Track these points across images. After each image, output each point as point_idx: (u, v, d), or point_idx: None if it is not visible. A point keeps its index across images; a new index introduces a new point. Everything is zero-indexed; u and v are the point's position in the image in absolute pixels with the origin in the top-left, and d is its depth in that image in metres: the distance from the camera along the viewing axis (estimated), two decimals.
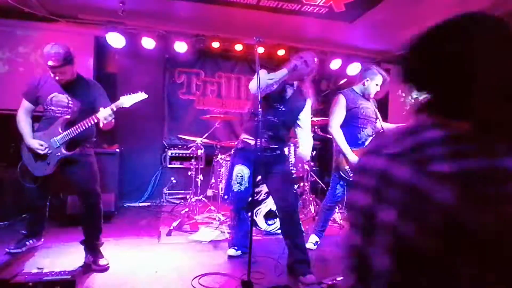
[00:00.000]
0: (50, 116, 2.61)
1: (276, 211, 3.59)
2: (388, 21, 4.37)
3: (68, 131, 2.54)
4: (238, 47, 5.04)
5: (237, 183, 2.73)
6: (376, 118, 3.17)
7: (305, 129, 2.78)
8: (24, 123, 2.66)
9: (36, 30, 4.47)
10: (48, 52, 2.45)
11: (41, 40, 4.44)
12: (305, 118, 2.76)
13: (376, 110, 3.21)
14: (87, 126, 2.53)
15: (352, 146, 3.01)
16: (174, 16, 4.44)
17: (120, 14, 4.09)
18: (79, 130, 2.53)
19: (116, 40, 4.49)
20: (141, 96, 2.63)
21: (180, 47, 4.79)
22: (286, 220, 2.62)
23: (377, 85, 3.06)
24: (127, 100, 2.59)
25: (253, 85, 2.43)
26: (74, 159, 2.62)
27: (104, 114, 2.47)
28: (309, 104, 2.76)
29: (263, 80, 2.42)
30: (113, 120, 2.60)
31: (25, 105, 2.69)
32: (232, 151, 2.78)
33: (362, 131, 3.06)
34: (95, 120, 2.52)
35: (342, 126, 3.07)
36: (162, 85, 5.35)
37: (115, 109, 2.53)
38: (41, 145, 2.57)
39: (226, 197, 3.07)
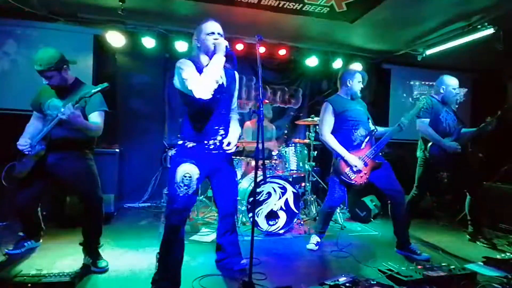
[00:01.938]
0: (48, 120, 2.57)
1: (276, 211, 3.60)
2: (389, 21, 4.37)
3: (46, 128, 2.46)
4: (239, 47, 5.02)
5: (184, 185, 2.18)
6: (368, 118, 3.15)
7: (235, 107, 2.59)
8: (27, 126, 2.68)
9: (36, 29, 4.43)
10: (36, 56, 2.47)
11: (41, 39, 4.43)
12: (236, 94, 2.55)
13: (366, 111, 3.21)
14: (51, 127, 2.42)
15: (351, 150, 3.00)
16: (174, 15, 4.42)
17: (119, 13, 4.06)
18: (48, 130, 2.44)
19: (115, 39, 4.47)
20: (102, 86, 2.41)
21: (181, 46, 4.76)
22: (227, 219, 2.59)
23: (359, 82, 3.14)
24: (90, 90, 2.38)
25: (201, 90, 2.09)
26: (71, 162, 2.57)
27: (60, 113, 2.30)
28: (237, 74, 2.54)
29: (208, 82, 2.12)
30: (94, 125, 2.52)
31: (34, 113, 2.71)
32: (173, 151, 2.38)
33: (355, 132, 3.04)
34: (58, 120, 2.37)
35: (334, 132, 3.07)
36: (163, 85, 5.32)
37: (70, 107, 2.30)
38: (26, 141, 2.49)
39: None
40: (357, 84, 3.13)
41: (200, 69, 2.21)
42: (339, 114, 3.05)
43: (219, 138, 2.34)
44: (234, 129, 2.49)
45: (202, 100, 2.13)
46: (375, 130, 3.13)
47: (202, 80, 2.12)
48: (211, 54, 2.26)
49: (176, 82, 2.22)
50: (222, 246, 2.64)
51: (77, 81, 2.70)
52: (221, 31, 2.34)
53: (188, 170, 2.20)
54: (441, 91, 3.49)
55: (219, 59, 2.20)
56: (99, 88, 2.38)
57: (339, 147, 2.98)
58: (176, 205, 2.17)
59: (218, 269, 2.64)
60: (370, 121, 3.16)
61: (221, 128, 2.35)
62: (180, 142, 2.34)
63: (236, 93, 2.56)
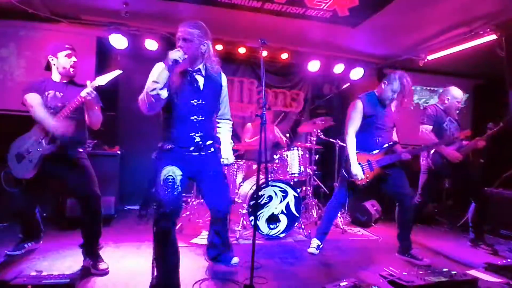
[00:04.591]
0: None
1: (277, 214, 3.60)
2: (391, 27, 4.38)
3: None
4: (242, 50, 5.04)
5: (168, 187, 2.10)
6: (393, 127, 3.13)
7: (225, 114, 2.57)
8: (41, 112, 2.50)
9: (39, 30, 4.46)
10: (61, 43, 2.68)
11: (44, 41, 4.43)
12: (225, 99, 2.53)
13: (394, 119, 3.15)
14: (69, 112, 2.47)
15: (364, 151, 2.99)
16: (177, 18, 4.39)
17: (123, 15, 4.08)
18: (60, 118, 2.46)
19: (118, 41, 4.49)
20: (115, 73, 2.62)
21: None
22: (219, 221, 2.58)
23: (392, 91, 2.96)
24: (101, 79, 2.54)
25: (141, 102, 2.12)
26: (68, 162, 2.57)
27: (83, 94, 2.44)
28: (224, 79, 2.48)
29: (144, 99, 2.08)
30: (99, 114, 2.68)
31: (37, 99, 2.51)
32: (154, 155, 2.29)
33: (377, 139, 3.03)
34: (75, 104, 2.47)
35: (356, 132, 3.03)
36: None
37: (92, 88, 2.47)
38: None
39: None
40: (389, 91, 2.98)
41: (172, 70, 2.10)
42: (366, 117, 2.99)
43: (194, 143, 2.28)
44: (226, 144, 2.55)
45: (178, 107, 2.19)
46: (397, 143, 3.09)
47: (140, 97, 2.10)
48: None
49: None
50: (215, 244, 2.68)
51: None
52: (189, 35, 2.19)
53: (170, 172, 2.14)
54: (446, 101, 3.53)
55: (161, 74, 2.06)
56: (114, 75, 2.60)
57: (352, 153, 2.95)
58: (162, 209, 2.07)
59: (215, 264, 2.73)
60: (394, 130, 3.12)
61: (197, 135, 2.28)
62: (160, 144, 2.28)
63: (222, 98, 2.51)
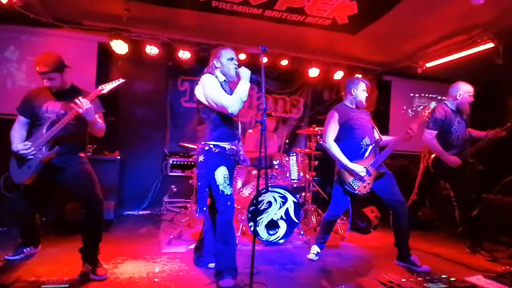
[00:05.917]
0: (44, 123, 2.55)
1: (276, 220, 3.60)
2: (390, 34, 4.43)
3: (50, 130, 2.47)
4: (242, 57, 5.06)
5: (227, 185, 2.53)
6: (373, 127, 3.17)
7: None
8: (15, 132, 2.61)
9: (40, 35, 4.49)
10: (37, 58, 2.53)
11: (46, 46, 4.47)
12: None
13: (371, 120, 3.22)
14: (67, 122, 2.44)
15: (354, 159, 2.99)
16: (178, 24, 4.47)
17: (124, 21, 4.11)
18: (60, 127, 2.45)
19: (119, 46, 4.52)
20: (118, 81, 2.58)
21: (184, 55, 4.81)
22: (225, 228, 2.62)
23: (363, 90, 3.14)
24: (105, 87, 2.53)
25: (234, 107, 2.49)
26: (69, 168, 2.57)
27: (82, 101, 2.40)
28: None
29: (240, 101, 2.53)
30: (101, 122, 2.65)
31: (20, 119, 2.66)
32: (201, 157, 2.58)
33: (361, 141, 3.05)
34: (75, 113, 2.42)
35: (340, 141, 3.05)
36: (165, 93, 5.37)
37: (93, 97, 2.49)
38: (25, 145, 2.48)
39: (205, 208, 2.76)
40: (361, 92, 3.13)
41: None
42: (344, 123, 3.04)
43: (237, 141, 2.70)
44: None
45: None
46: (380, 140, 3.14)
47: (235, 100, 2.50)
48: (229, 76, 2.70)
49: (201, 94, 2.60)
50: (202, 244, 2.87)
51: (74, 86, 2.75)
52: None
53: (225, 172, 2.55)
54: (458, 97, 3.49)
55: (248, 85, 2.59)
56: (117, 83, 2.55)
57: (341, 156, 2.98)
58: (228, 203, 2.50)
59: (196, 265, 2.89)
60: (375, 130, 3.17)
61: (238, 132, 2.75)
62: (207, 148, 2.56)
63: None
